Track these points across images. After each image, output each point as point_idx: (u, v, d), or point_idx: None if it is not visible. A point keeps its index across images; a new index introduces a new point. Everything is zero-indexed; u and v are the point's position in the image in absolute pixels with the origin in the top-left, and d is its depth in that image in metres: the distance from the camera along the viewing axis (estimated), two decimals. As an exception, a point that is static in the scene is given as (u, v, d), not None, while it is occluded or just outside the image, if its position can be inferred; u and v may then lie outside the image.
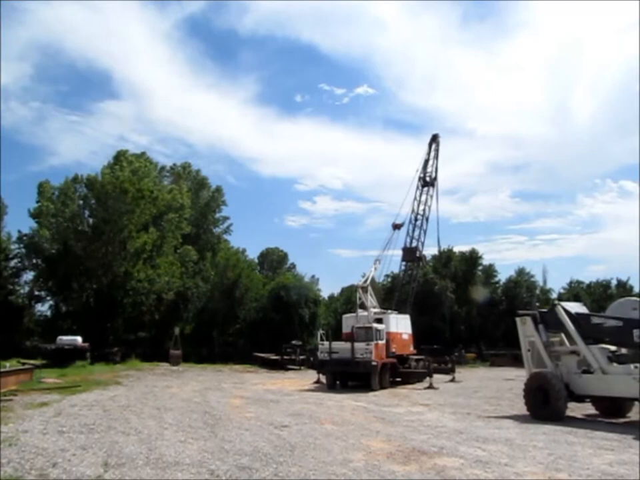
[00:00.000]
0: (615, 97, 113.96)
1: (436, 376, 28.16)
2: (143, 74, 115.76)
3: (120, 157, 48.70)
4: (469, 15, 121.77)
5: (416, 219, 41.32)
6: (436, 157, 41.81)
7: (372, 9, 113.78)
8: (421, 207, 41.32)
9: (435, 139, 42.22)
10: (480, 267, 62.32)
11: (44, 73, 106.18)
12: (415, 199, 41.37)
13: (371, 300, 30.85)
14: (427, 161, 41.79)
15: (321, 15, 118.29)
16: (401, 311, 34.38)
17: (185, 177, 63.04)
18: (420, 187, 41.49)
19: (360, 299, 30.48)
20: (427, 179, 41.57)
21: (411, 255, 41.73)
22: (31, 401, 17.98)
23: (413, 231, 41.33)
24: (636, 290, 60.32)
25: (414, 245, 41.54)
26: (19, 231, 48.99)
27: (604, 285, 65.16)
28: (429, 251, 51.82)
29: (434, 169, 41.69)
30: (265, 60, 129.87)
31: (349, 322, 29.40)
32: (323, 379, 27.57)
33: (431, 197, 41.36)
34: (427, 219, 41.27)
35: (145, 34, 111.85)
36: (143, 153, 52.79)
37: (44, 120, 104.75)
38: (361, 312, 29.85)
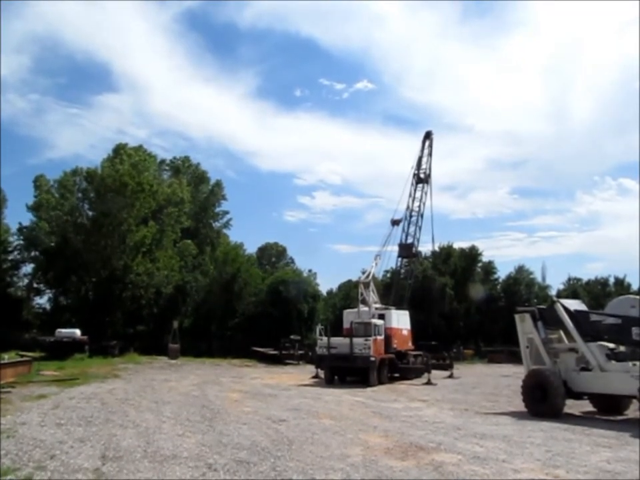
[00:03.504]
0: (613, 95, 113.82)
1: (434, 372, 28.25)
2: (141, 67, 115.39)
3: (119, 151, 48.54)
4: (468, 12, 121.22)
5: (411, 216, 41.28)
6: (430, 153, 41.71)
7: (371, 4, 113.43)
8: (416, 204, 41.27)
9: (428, 136, 42.08)
10: (479, 264, 62.32)
11: (42, 66, 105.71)
12: (410, 195, 41.37)
13: (372, 296, 30.90)
14: (420, 158, 41.70)
15: (320, 9, 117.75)
16: (398, 306, 34.43)
17: (185, 170, 62.88)
18: (414, 184, 41.43)
19: (361, 294, 30.50)
20: (421, 175, 41.45)
21: (407, 251, 41.74)
22: (29, 393, 18.00)
23: (408, 227, 41.32)
24: (633, 287, 60.53)
25: (409, 241, 41.52)
26: (20, 223, 49.00)
27: (602, 283, 65.16)
28: (427, 247, 52.01)
29: (428, 166, 41.61)
30: (264, 54, 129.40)
31: (349, 317, 29.45)
32: (322, 374, 27.62)
33: (426, 193, 41.27)
34: (422, 216, 41.23)
35: (144, 27, 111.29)
36: (142, 147, 52.63)
37: (42, 112, 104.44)
38: (362, 307, 29.88)
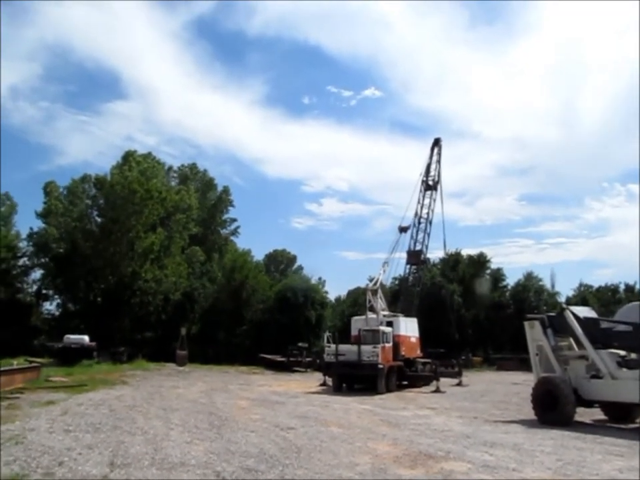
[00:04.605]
0: (622, 100, 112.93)
1: (443, 379, 28.08)
2: (150, 74, 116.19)
3: (128, 158, 48.90)
4: (475, 17, 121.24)
5: (419, 222, 41.14)
6: (438, 161, 41.63)
7: (378, 10, 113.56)
8: (425, 211, 41.11)
9: (437, 143, 42.07)
10: (488, 271, 62.10)
11: (53, 73, 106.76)
12: (419, 202, 41.27)
13: (380, 303, 30.82)
14: (429, 165, 41.63)
15: (327, 16, 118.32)
16: (406, 314, 34.31)
17: (192, 177, 63.25)
18: (423, 191, 41.35)
19: (370, 301, 30.43)
20: (430, 182, 41.36)
21: (415, 258, 41.60)
22: (37, 399, 18.02)
23: (417, 234, 41.16)
24: (644, 294, 59.96)
25: (418, 248, 41.39)
26: (31, 228, 49.37)
27: (612, 289, 64.77)
28: (435, 253, 51.99)
29: (437, 173, 41.52)
30: (272, 61, 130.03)
31: (357, 324, 29.36)
32: (329, 381, 27.53)
33: (434, 200, 41.15)
34: (431, 223, 41.07)
35: (153, 34, 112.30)
36: (151, 154, 52.93)
37: (52, 120, 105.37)
38: (370, 314, 29.81)
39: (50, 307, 51.72)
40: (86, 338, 35.78)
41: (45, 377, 24.86)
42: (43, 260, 49.70)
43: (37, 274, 50.95)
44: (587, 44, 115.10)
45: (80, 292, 46.12)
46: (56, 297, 50.30)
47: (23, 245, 50.42)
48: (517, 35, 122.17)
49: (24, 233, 50.39)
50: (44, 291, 50.77)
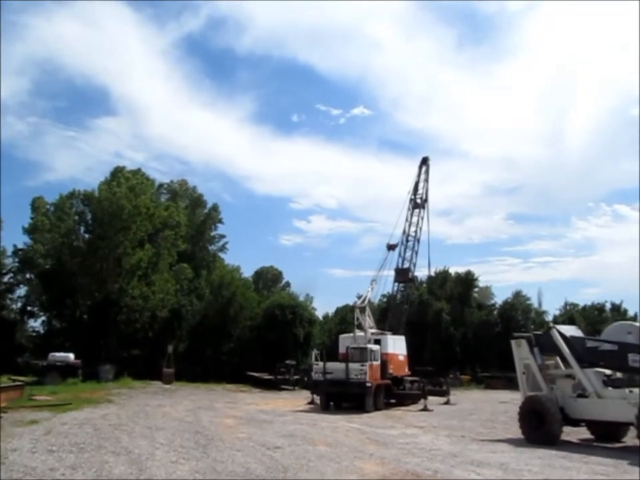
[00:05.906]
0: (609, 120, 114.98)
1: (430, 398, 27.99)
2: (140, 91, 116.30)
3: (117, 174, 48.68)
4: (464, 38, 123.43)
5: (407, 240, 41.32)
6: (426, 179, 42.02)
7: (368, 30, 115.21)
8: (412, 229, 41.31)
9: (425, 161, 42.51)
10: (476, 289, 62.36)
11: (42, 89, 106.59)
12: (407, 220, 41.48)
13: (368, 321, 30.81)
14: (417, 183, 41.98)
15: (317, 35, 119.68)
16: (394, 331, 34.30)
17: (182, 194, 63.11)
18: (411, 209, 41.59)
19: (358, 319, 30.42)
20: (418, 200, 41.65)
21: (403, 276, 41.69)
22: (20, 418, 17.77)
23: (405, 252, 41.29)
24: (630, 313, 60.55)
25: (406, 266, 41.51)
26: (15, 245, 48.88)
27: (598, 308, 65.26)
28: (423, 271, 52.13)
29: (424, 191, 41.88)
30: (261, 79, 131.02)
31: (345, 342, 29.30)
32: (317, 399, 27.37)
33: (422, 218, 41.39)
34: (419, 241, 41.25)
35: (143, 51, 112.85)
36: (140, 170, 52.73)
37: (41, 135, 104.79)
38: (358, 332, 29.78)
39: (35, 324, 51.16)
40: (71, 356, 35.35)
41: (29, 396, 24.52)
42: (28, 276, 49.20)
43: (22, 290, 50.48)
44: (574, 65, 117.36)
45: (66, 309, 45.58)
46: (41, 314, 49.73)
47: (8, 261, 49.92)
48: (505, 56, 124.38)
49: (9, 250, 49.95)
50: (29, 308, 50.19)
